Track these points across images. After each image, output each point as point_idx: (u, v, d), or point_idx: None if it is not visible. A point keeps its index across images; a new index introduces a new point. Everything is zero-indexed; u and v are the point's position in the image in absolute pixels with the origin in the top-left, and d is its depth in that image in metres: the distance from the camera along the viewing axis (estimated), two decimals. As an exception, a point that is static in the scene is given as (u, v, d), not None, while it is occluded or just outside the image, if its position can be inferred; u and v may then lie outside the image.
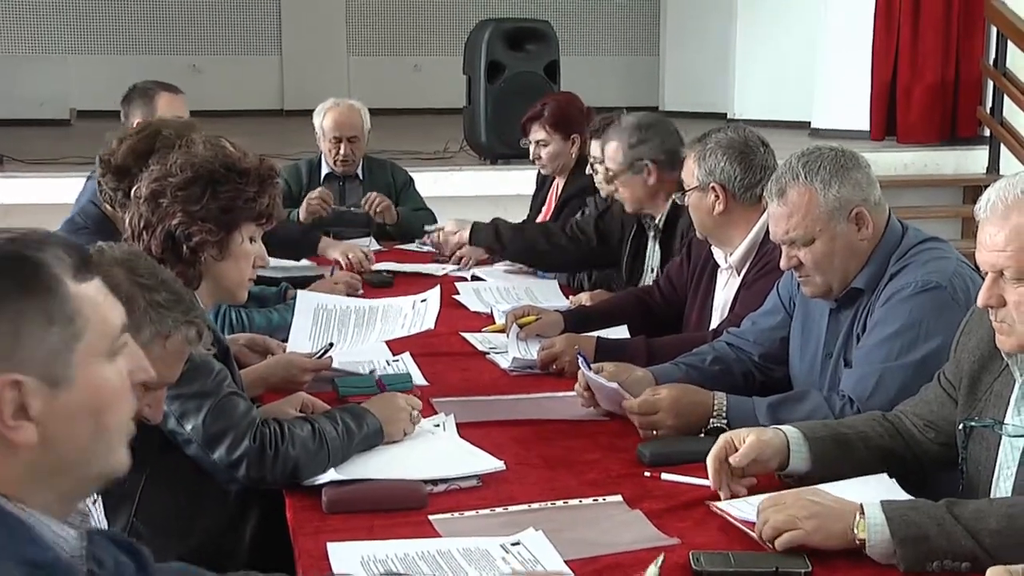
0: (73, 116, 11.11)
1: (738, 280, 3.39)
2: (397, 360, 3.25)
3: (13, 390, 1.28)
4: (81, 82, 11.32)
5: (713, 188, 3.29)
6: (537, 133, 5.02)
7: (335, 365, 3.06)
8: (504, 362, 3.29)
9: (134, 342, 1.43)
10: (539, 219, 5.24)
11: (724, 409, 2.62)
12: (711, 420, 2.61)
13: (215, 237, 2.56)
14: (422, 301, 3.44)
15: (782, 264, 2.79)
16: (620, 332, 3.51)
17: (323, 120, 5.44)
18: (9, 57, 11.90)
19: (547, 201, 5.27)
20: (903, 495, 2.18)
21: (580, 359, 2.83)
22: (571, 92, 5.60)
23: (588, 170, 4.57)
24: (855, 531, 1.96)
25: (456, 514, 2.21)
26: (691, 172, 3.37)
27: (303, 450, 2.30)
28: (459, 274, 4.62)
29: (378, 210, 5.30)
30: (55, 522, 1.34)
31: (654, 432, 2.60)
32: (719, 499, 2.23)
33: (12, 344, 1.29)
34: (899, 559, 1.94)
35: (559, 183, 5.16)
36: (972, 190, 8.54)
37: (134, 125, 4.28)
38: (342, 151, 5.40)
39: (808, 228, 2.70)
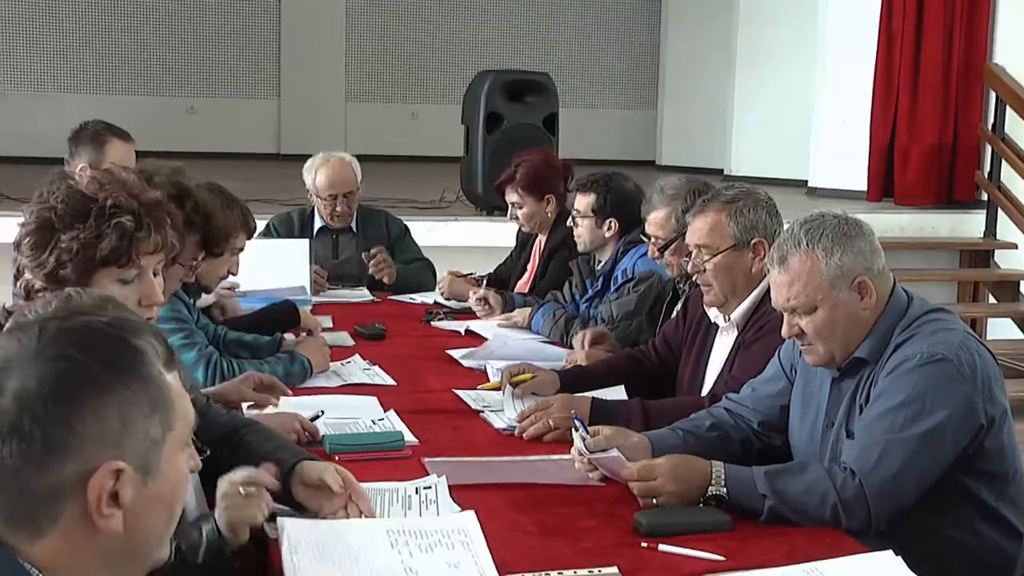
0: (69, 155, 11.07)
1: (736, 335, 3.33)
2: (382, 419, 3.17)
3: (112, 478, 1.27)
4: (77, 121, 11.24)
5: (757, 245, 3.24)
6: (511, 196, 5.09)
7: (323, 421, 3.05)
8: (498, 421, 3.22)
9: None
10: (525, 276, 5.24)
11: (723, 478, 2.56)
12: (710, 488, 2.55)
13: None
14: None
15: (784, 332, 2.75)
16: (617, 392, 3.46)
17: (316, 178, 5.33)
18: (4, 95, 11.89)
19: (531, 258, 5.26)
20: (910, 574, 2.14)
21: (577, 422, 2.77)
22: (545, 150, 5.62)
23: (568, 222, 4.60)
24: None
25: (448, 583, 2.14)
26: (720, 232, 3.26)
27: None
28: (453, 328, 4.57)
29: (379, 268, 5.25)
30: None
31: (653, 500, 2.54)
32: (719, 572, 2.17)
33: (120, 431, 1.28)
34: None
35: (541, 240, 5.16)
36: (968, 254, 8.54)
37: (78, 169, 4.09)
38: (338, 208, 5.33)
39: (810, 296, 2.67)
